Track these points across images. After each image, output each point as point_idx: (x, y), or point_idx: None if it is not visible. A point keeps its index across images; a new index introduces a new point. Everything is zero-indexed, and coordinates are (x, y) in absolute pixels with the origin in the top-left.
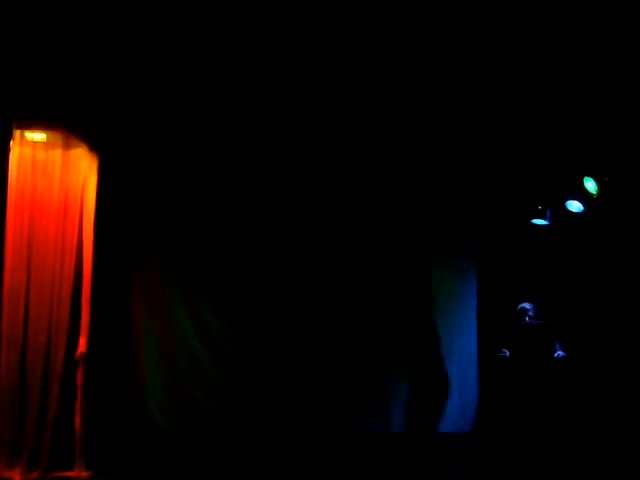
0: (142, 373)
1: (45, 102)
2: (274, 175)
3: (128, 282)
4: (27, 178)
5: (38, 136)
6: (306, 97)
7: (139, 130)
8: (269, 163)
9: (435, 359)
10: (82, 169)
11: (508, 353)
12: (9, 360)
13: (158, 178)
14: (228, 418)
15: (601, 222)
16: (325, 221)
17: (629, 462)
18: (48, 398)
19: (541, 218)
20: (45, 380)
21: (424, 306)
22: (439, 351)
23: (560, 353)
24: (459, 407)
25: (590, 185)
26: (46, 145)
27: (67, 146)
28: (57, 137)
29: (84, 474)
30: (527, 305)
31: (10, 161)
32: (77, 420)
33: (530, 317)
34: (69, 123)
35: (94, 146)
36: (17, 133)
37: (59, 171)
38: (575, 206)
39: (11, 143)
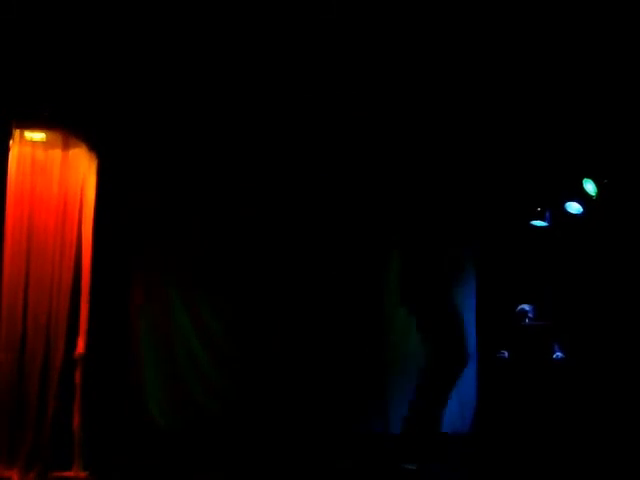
0: (141, 373)
1: (44, 102)
2: (274, 175)
3: (127, 282)
4: (26, 178)
5: (37, 136)
6: (306, 97)
7: (138, 130)
8: (269, 163)
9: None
10: (81, 169)
11: (507, 354)
12: (7, 360)
13: (158, 178)
14: (228, 418)
15: (600, 224)
16: (325, 221)
17: (628, 463)
18: (47, 398)
19: (540, 219)
20: (44, 380)
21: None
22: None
23: (559, 354)
24: (458, 408)
25: (589, 187)
26: (45, 145)
27: (66, 146)
28: (56, 137)
29: (82, 474)
30: (526, 306)
31: (10, 161)
32: (76, 420)
33: (529, 318)
34: (68, 123)
35: (93, 146)
36: (17, 133)
37: (58, 171)
38: (574, 208)
39: (11, 143)
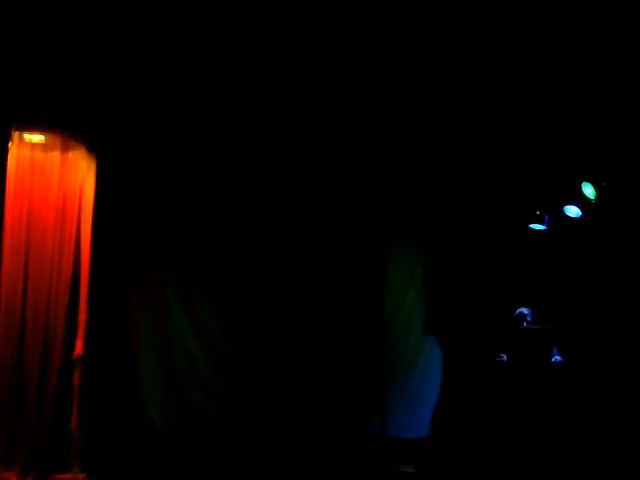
0: (140, 374)
1: (44, 104)
2: (274, 175)
3: (126, 283)
4: (25, 179)
5: (36, 137)
6: (306, 97)
7: (138, 131)
8: (269, 163)
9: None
10: (80, 170)
11: (506, 357)
12: (5, 361)
13: (157, 179)
14: (226, 419)
15: (599, 227)
16: (325, 221)
17: (627, 467)
18: (45, 399)
19: (539, 223)
20: (42, 381)
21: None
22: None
23: (558, 358)
24: None
25: (588, 190)
26: (44, 146)
27: (65, 148)
28: (55, 139)
29: (81, 476)
30: (525, 310)
31: (8, 162)
32: (74, 422)
33: (528, 322)
34: (67, 125)
35: (92, 147)
36: (16, 134)
37: (57, 172)
38: (573, 211)
39: (10, 144)
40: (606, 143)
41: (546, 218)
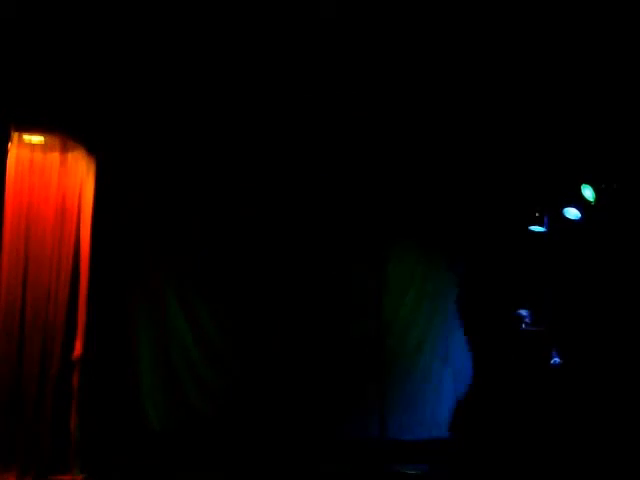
0: (138, 375)
1: (43, 105)
2: (274, 175)
3: (125, 283)
4: (25, 180)
5: (36, 138)
6: (306, 97)
7: (137, 132)
8: (269, 164)
9: None
10: (80, 171)
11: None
12: (5, 362)
13: (157, 179)
14: (225, 419)
15: (598, 229)
16: (325, 222)
17: (625, 468)
18: (44, 400)
19: (539, 225)
20: (41, 382)
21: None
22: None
23: (556, 360)
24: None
25: (588, 192)
26: (44, 147)
27: (65, 148)
28: (55, 139)
29: (79, 477)
30: (523, 312)
31: (8, 163)
32: (73, 422)
33: (527, 324)
34: (67, 125)
35: (92, 148)
36: (15, 135)
37: (57, 173)
38: (572, 213)
39: (9, 145)
40: (605, 145)
41: (546, 220)
